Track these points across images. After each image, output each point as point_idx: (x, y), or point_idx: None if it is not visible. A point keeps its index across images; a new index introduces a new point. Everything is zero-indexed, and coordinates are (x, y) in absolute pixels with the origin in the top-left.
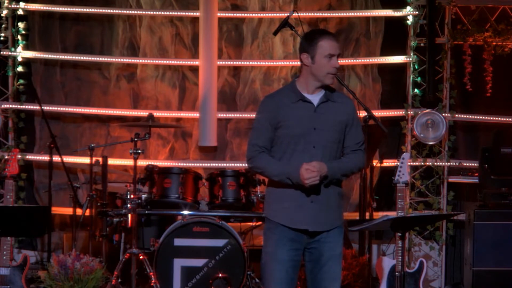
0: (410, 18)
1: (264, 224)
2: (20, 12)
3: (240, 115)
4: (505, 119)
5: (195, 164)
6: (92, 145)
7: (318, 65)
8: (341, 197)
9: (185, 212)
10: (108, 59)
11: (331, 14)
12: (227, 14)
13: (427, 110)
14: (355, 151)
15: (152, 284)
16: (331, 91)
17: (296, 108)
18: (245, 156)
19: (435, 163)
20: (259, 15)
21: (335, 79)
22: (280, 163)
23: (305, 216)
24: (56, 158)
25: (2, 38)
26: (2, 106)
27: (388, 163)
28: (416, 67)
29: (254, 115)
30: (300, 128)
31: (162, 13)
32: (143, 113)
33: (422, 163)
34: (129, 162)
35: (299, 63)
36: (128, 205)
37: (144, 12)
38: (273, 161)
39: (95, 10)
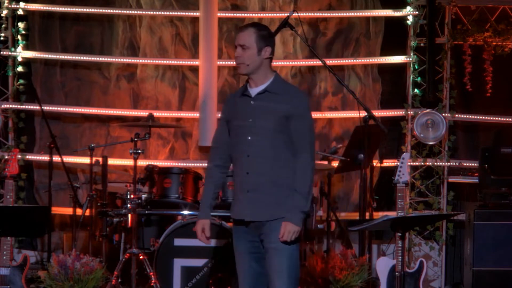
0: (410, 18)
1: None
2: (20, 12)
3: None
4: (505, 119)
5: (195, 164)
6: (92, 145)
7: None
8: (286, 188)
9: (185, 212)
10: (108, 59)
11: (331, 14)
12: (227, 14)
13: (427, 110)
14: (298, 157)
15: (152, 284)
16: (281, 84)
17: (237, 102)
18: None
19: (435, 163)
20: (259, 15)
21: (240, 68)
22: (205, 194)
23: (243, 207)
24: (56, 158)
25: (2, 38)
26: (2, 106)
27: (388, 163)
28: (416, 67)
29: None
30: (238, 120)
31: (162, 13)
32: (143, 113)
33: (422, 163)
34: (129, 162)
35: (299, 63)
36: (128, 205)
37: (144, 12)
38: (211, 186)
39: (95, 10)
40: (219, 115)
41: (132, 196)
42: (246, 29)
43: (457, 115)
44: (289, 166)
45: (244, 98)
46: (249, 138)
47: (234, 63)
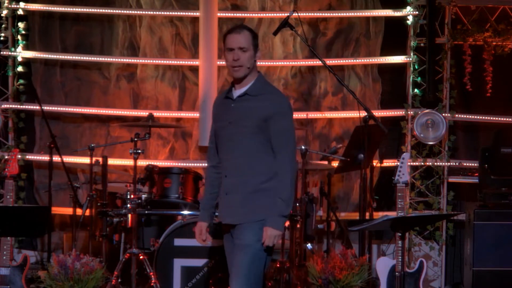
0: (410, 18)
1: None
2: (20, 12)
3: None
4: (505, 119)
5: (195, 164)
6: (92, 145)
7: (225, 59)
8: (264, 191)
9: (185, 212)
10: (108, 59)
11: (331, 14)
12: (227, 14)
13: (427, 110)
14: (277, 159)
15: (152, 284)
16: (261, 85)
17: (221, 104)
18: None
19: (435, 163)
20: (259, 15)
21: (239, 72)
22: (204, 196)
23: (222, 209)
24: (56, 158)
25: (2, 38)
26: (2, 106)
27: (388, 163)
28: (416, 67)
29: None
30: (219, 122)
31: (162, 13)
32: (143, 113)
33: (422, 163)
34: (129, 162)
35: (299, 63)
36: (128, 205)
37: (144, 12)
38: (208, 187)
39: (95, 10)
40: None
41: (132, 196)
42: (242, 31)
43: (457, 115)
44: (269, 169)
45: (227, 100)
46: (229, 141)
47: (232, 66)
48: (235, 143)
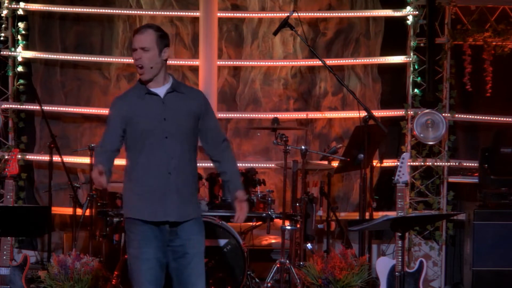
0: (410, 18)
1: (125, 223)
2: (20, 12)
3: (240, 115)
4: (505, 119)
5: None
6: (92, 145)
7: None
8: (197, 189)
9: None
10: (108, 59)
11: (331, 14)
12: (227, 14)
13: (427, 110)
14: (224, 146)
15: None
16: (179, 83)
17: (144, 102)
18: (244, 156)
19: (435, 163)
20: (259, 15)
21: (144, 74)
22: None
23: (168, 207)
24: (56, 158)
25: (2, 38)
26: (2, 106)
27: (388, 163)
28: (416, 67)
29: (254, 115)
30: (150, 120)
31: (162, 13)
32: None
33: (422, 163)
34: None
35: (299, 63)
36: None
37: (144, 12)
38: (102, 158)
39: (95, 10)
40: (219, 115)
41: None
42: (146, 30)
43: (457, 115)
44: (196, 168)
45: (150, 97)
46: (166, 137)
47: (135, 65)
48: (174, 139)
